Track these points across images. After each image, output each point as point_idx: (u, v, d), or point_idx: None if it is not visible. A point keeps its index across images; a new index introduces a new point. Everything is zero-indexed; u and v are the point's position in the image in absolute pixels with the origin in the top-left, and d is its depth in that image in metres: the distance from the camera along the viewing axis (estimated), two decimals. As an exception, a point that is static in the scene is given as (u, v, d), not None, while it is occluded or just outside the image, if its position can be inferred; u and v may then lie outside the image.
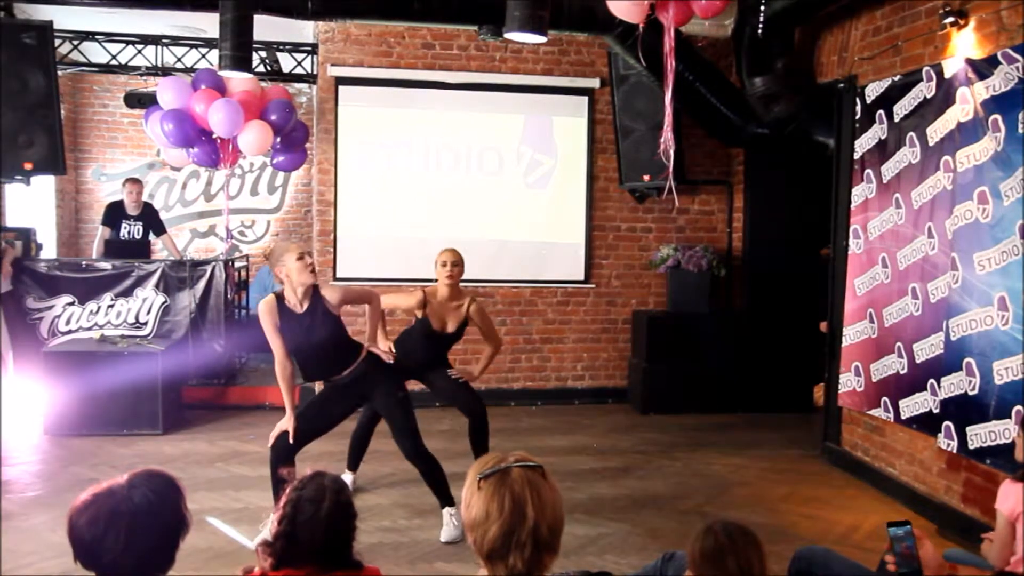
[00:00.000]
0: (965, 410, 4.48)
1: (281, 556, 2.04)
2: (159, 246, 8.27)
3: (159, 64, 7.72)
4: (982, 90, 4.38)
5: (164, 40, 7.71)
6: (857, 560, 3.20)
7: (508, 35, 5.10)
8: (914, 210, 5.00)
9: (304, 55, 7.88)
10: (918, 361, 4.93)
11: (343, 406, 4.39)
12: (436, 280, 4.93)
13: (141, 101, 8.04)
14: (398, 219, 7.47)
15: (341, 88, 7.39)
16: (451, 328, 4.98)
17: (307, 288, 4.13)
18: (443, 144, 7.54)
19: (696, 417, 7.11)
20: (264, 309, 4.16)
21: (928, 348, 4.85)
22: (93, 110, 9.90)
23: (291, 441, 4.15)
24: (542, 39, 5.15)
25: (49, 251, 8.44)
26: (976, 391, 4.40)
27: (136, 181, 7.95)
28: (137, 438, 6.09)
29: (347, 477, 4.99)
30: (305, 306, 4.14)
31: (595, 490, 5.25)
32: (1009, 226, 4.19)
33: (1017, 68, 4.15)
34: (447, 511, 4.44)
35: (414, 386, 4.93)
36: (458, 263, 4.89)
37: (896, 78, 5.21)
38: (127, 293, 6.96)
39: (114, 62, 7.81)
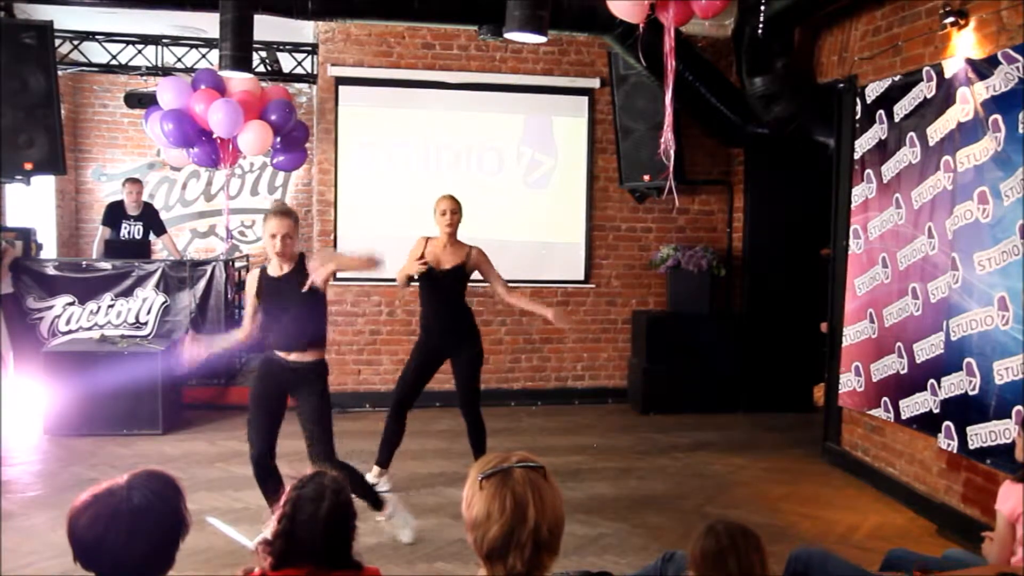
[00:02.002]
0: (965, 410, 4.48)
1: (281, 555, 2.04)
2: (159, 246, 8.27)
3: (159, 64, 7.72)
4: (982, 90, 4.38)
5: (164, 40, 7.71)
6: (857, 560, 3.20)
7: (508, 35, 5.10)
8: (914, 210, 5.00)
9: (304, 55, 7.87)
10: (918, 361, 4.93)
11: (277, 400, 4.20)
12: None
13: (141, 101, 8.04)
14: (398, 219, 7.46)
15: (341, 88, 7.38)
16: (447, 264, 4.92)
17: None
18: (443, 144, 7.54)
19: (696, 417, 7.11)
20: (249, 279, 4.26)
21: (928, 348, 4.85)
22: (93, 110, 9.89)
23: (254, 449, 4.10)
24: (542, 39, 5.15)
25: (49, 251, 8.44)
26: (976, 391, 4.39)
27: (136, 181, 7.95)
28: (137, 438, 6.09)
29: (378, 476, 5.00)
30: (284, 270, 4.10)
31: (595, 490, 5.25)
32: (1009, 226, 4.19)
33: (1017, 68, 4.15)
34: (383, 514, 4.27)
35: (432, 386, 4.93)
36: (456, 211, 4.93)
37: (896, 78, 5.21)
38: (127, 293, 6.96)
39: (114, 62, 7.81)
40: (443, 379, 7.45)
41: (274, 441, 4.18)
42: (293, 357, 4.14)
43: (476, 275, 4.83)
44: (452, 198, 4.99)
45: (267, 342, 4.26)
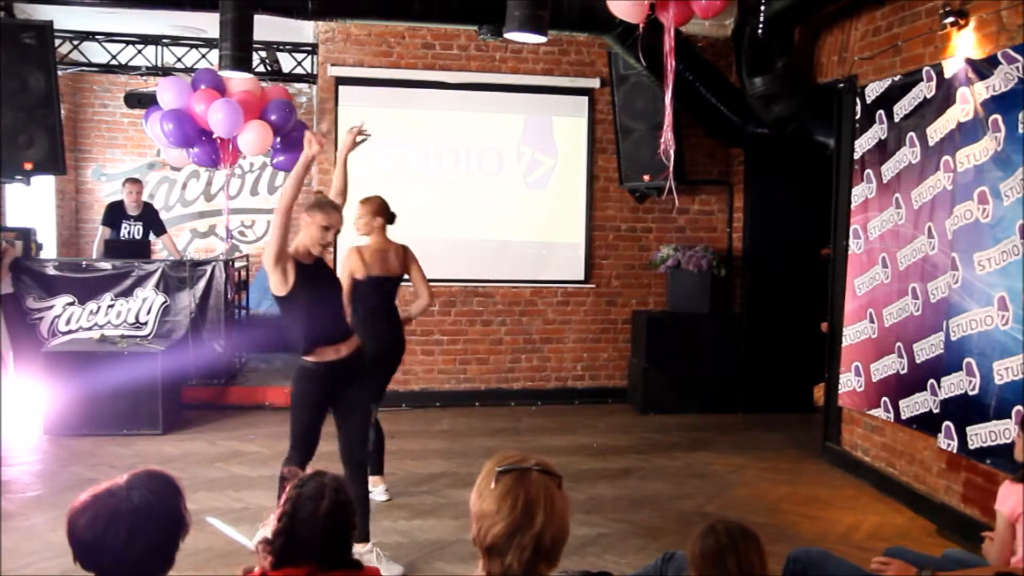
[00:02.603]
0: (965, 410, 4.48)
1: (281, 554, 2.05)
2: (159, 246, 8.27)
3: (159, 64, 7.73)
4: (982, 90, 4.38)
5: (164, 40, 7.71)
6: (857, 560, 3.20)
7: (508, 35, 5.10)
8: (914, 210, 5.00)
9: (304, 55, 7.88)
10: (918, 361, 4.93)
11: (325, 412, 4.07)
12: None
13: (141, 101, 8.04)
14: (398, 219, 7.45)
15: (341, 88, 7.38)
16: (400, 271, 4.87)
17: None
18: (443, 144, 7.54)
19: (696, 417, 7.12)
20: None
21: (928, 348, 4.85)
22: (93, 110, 9.90)
23: (299, 459, 3.94)
24: (542, 39, 5.15)
25: (49, 251, 8.44)
26: (976, 391, 4.39)
27: (136, 181, 7.95)
28: (137, 438, 6.09)
29: (381, 488, 4.94)
30: (314, 257, 3.99)
31: (595, 490, 5.25)
32: (1009, 226, 4.19)
33: (1017, 68, 4.15)
34: (364, 547, 3.97)
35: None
36: (362, 215, 4.84)
37: (896, 78, 5.21)
38: (127, 293, 6.96)
39: (114, 62, 7.82)
40: (443, 379, 7.50)
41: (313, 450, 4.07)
42: (349, 345, 3.99)
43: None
44: (361, 202, 4.87)
45: (315, 342, 3.90)
